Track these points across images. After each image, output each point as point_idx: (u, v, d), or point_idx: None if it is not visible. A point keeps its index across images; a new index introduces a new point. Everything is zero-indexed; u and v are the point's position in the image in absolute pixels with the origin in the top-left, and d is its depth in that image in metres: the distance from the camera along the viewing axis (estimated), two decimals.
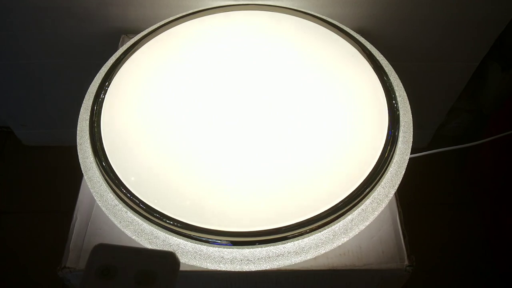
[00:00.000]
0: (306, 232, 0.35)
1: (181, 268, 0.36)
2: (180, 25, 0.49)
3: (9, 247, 0.76)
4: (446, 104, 0.75)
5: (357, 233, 0.36)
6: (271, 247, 0.35)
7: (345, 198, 0.36)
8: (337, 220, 0.36)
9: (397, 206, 0.41)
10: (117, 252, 0.32)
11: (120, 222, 0.36)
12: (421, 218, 0.76)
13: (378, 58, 0.46)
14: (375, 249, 0.39)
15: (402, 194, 0.42)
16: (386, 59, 0.47)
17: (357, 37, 0.48)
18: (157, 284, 0.31)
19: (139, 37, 0.48)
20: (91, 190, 0.38)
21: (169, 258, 0.32)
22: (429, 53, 0.64)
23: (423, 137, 0.83)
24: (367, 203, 0.37)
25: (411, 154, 0.40)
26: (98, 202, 0.37)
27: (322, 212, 0.35)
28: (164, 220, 0.35)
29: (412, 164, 0.40)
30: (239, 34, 0.48)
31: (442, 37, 0.61)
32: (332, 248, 0.35)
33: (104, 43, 0.61)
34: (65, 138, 0.55)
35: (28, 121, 0.81)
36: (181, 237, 0.35)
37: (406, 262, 0.38)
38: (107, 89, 0.43)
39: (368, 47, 0.47)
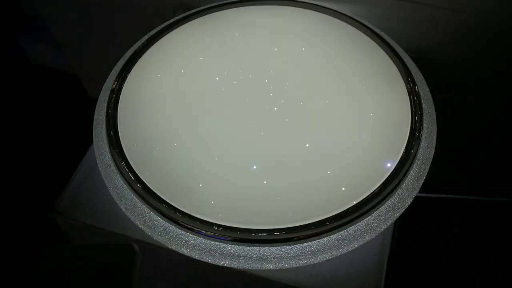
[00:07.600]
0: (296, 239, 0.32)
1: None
2: (231, 10, 0.47)
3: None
4: None
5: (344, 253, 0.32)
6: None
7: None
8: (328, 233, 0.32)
9: (391, 245, 0.37)
10: (71, 252, 0.32)
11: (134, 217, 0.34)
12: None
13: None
14: (349, 282, 0.36)
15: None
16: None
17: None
18: (116, 277, 0.31)
19: (181, 16, 0.47)
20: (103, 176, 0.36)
21: (126, 250, 0.32)
22: None
23: None
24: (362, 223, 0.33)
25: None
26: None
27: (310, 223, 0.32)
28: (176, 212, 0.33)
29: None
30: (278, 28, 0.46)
31: None
32: (313, 262, 0.32)
33: (159, 16, 0.62)
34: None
35: None
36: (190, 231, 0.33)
37: None
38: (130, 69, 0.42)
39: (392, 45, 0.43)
